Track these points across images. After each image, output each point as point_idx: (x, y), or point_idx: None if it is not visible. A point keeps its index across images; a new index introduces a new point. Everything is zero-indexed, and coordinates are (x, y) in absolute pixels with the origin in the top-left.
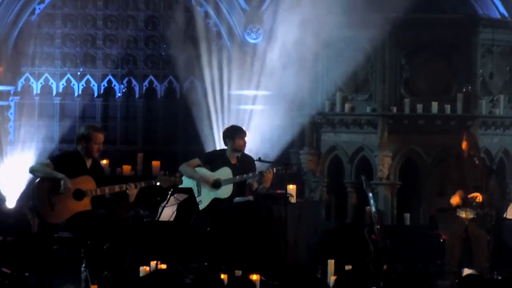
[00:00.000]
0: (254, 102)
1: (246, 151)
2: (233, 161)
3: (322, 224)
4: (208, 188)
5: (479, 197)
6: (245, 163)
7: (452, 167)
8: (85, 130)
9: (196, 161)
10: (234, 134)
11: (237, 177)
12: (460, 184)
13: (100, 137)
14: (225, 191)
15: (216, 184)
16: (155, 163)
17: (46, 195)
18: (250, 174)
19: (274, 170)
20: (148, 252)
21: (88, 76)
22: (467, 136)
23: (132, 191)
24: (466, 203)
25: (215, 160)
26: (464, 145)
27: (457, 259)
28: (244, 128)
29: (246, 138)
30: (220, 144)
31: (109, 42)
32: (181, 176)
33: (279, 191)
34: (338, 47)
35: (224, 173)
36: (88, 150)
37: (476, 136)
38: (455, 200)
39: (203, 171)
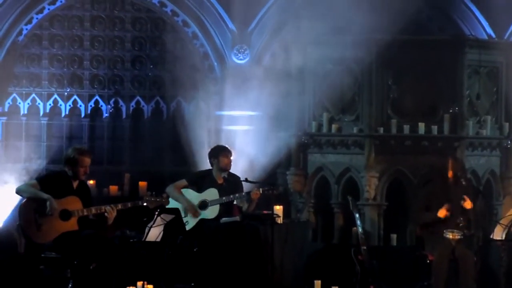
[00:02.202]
0: (241, 123)
1: (233, 171)
2: (220, 181)
3: (308, 244)
4: (195, 210)
5: (467, 203)
6: (232, 183)
7: (439, 188)
8: (72, 153)
9: (183, 182)
10: (219, 152)
11: (224, 198)
12: (447, 205)
13: (87, 160)
14: (212, 212)
15: (203, 205)
16: (142, 184)
17: (33, 216)
18: (237, 195)
19: (261, 190)
20: (134, 273)
21: (75, 97)
22: (452, 162)
23: (111, 214)
24: (453, 224)
25: (201, 180)
26: (450, 174)
27: (444, 280)
28: (230, 148)
29: (231, 157)
30: (207, 165)
31: (96, 62)
32: (168, 197)
33: (265, 212)
34: (325, 67)
35: (211, 193)
36: (75, 172)
37: (461, 158)
38: (442, 212)
39: (190, 192)
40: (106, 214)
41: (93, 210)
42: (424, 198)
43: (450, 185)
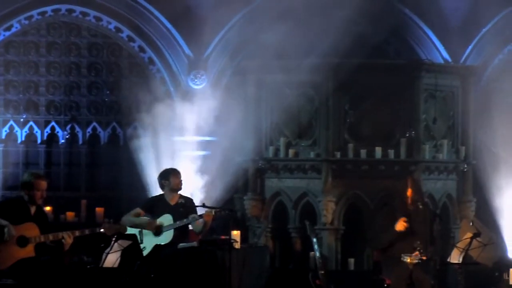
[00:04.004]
0: (198, 148)
1: (190, 196)
2: (173, 203)
3: (266, 269)
4: (150, 234)
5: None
6: (185, 206)
7: (396, 212)
8: (28, 177)
9: (137, 210)
10: (169, 174)
11: (178, 222)
12: (404, 229)
13: (43, 184)
14: (166, 237)
15: (157, 231)
16: (99, 210)
17: None
18: (190, 218)
19: (213, 212)
20: None
21: (31, 123)
22: (411, 182)
23: (68, 240)
24: (410, 247)
25: (155, 205)
26: (408, 192)
27: None
28: (187, 173)
29: (181, 178)
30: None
31: (52, 88)
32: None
33: (223, 237)
34: (282, 92)
35: (165, 219)
36: (32, 197)
37: (419, 181)
38: (400, 226)
39: (144, 220)
40: (63, 240)
41: (51, 237)
42: (382, 221)
43: (407, 208)
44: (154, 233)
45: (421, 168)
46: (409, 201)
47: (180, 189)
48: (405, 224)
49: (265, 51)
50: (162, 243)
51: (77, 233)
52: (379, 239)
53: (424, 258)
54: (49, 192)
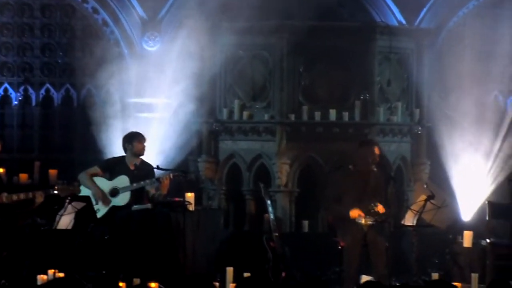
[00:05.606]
0: (152, 110)
1: (144, 158)
2: (132, 167)
3: (220, 231)
4: (105, 198)
5: (380, 207)
6: (144, 171)
7: (350, 175)
8: None
9: (95, 169)
10: (133, 138)
11: (134, 184)
12: (358, 192)
13: None
14: (123, 199)
15: (114, 192)
16: (52, 172)
17: None
18: (148, 181)
19: (171, 176)
20: (45, 261)
21: None
22: (375, 146)
23: (40, 198)
24: (364, 210)
25: (114, 167)
26: (377, 150)
27: (356, 266)
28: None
29: (145, 143)
30: (117, 152)
31: (4, 50)
32: (79, 185)
33: (177, 199)
34: (236, 54)
35: (122, 181)
36: None
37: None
38: (354, 213)
39: (101, 180)
40: (36, 200)
41: (4, 199)
42: (335, 189)
43: (362, 170)
44: (111, 194)
45: (376, 131)
46: (369, 164)
47: (142, 154)
48: (357, 215)
49: (219, 13)
50: (119, 205)
51: (40, 193)
52: (332, 210)
53: (379, 220)
54: (2, 154)
